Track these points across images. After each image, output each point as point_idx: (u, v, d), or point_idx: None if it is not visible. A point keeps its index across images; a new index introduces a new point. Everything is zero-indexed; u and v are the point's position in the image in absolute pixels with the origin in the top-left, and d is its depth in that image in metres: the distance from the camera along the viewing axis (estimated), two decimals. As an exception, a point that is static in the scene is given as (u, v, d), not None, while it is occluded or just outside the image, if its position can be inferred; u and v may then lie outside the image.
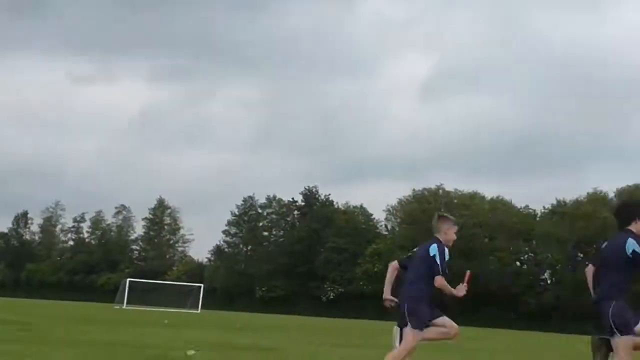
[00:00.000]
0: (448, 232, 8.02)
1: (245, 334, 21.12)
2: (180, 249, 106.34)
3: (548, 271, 74.73)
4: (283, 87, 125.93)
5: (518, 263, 75.98)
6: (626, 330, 6.64)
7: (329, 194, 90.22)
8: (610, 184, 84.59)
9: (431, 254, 7.74)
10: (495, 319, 66.49)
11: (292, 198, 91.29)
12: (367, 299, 78.23)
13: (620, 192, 71.10)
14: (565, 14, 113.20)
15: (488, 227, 75.71)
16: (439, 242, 7.89)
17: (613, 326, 6.69)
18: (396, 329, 7.91)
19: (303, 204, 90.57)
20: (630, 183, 71.91)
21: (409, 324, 7.59)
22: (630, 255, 6.77)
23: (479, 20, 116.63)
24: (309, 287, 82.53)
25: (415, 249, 8.35)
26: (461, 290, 7.75)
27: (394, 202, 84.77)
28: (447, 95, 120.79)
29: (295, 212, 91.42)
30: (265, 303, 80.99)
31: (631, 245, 6.79)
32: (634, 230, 6.99)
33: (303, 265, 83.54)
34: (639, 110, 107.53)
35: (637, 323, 6.71)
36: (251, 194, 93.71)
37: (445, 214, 8.35)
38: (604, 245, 7.24)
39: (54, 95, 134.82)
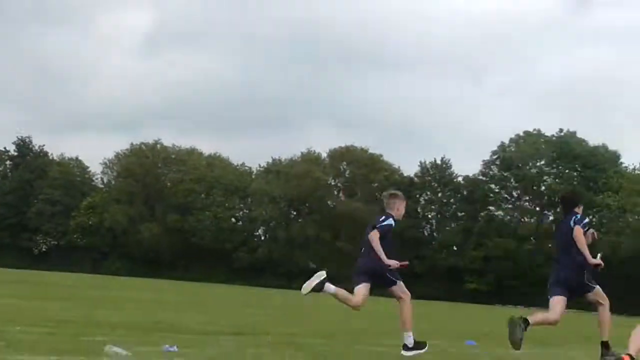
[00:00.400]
0: (400, 209, 8.94)
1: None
2: None
3: (262, 228, 78.47)
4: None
5: (233, 219, 78.88)
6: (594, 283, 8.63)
7: (44, 145, 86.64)
8: (324, 145, 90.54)
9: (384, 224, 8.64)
10: (210, 274, 68.92)
11: (5, 147, 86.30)
12: (81, 251, 77.10)
13: (332, 153, 76.29)
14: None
15: (204, 183, 77.64)
16: (392, 216, 8.82)
17: (589, 284, 8.58)
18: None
19: (16, 154, 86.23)
20: (342, 144, 77.32)
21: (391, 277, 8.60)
22: (572, 225, 8.58)
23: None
24: (20, 239, 79.09)
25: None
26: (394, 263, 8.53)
27: (111, 155, 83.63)
28: (169, 50, 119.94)
29: (8, 162, 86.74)
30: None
31: (574, 219, 8.64)
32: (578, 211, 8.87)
33: (14, 217, 79.80)
34: (352, 74, 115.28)
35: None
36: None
37: (396, 192, 9.20)
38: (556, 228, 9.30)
39: None
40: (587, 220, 8.94)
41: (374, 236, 8.53)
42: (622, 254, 56.93)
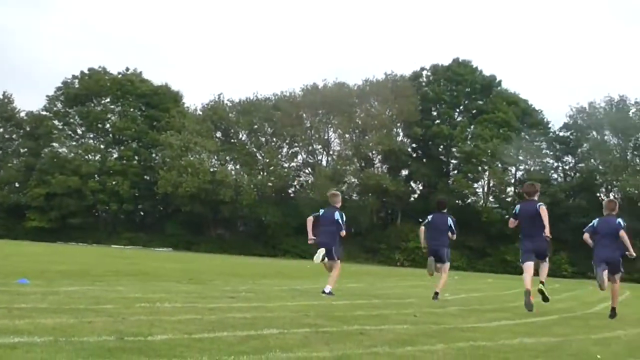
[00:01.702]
0: (339, 202, 13.72)
1: None
2: None
3: None
4: None
5: None
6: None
7: None
8: None
9: (336, 219, 13.25)
10: None
11: None
12: None
13: None
14: None
15: None
16: (339, 209, 13.48)
17: (547, 254, 12.13)
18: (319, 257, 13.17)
19: None
20: None
21: (335, 256, 13.28)
22: (539, 210, 11.67)
23: None
24: None
25: (321, 211, 13.58)
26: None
27: None
28: None
29: None
30: None
31: (539, 205, 11.82)
32: (536, 198, 12.15)
33: None
34: None
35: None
36: None
37: (336, 192, 14.36)
38: (518, 208, 12.21)
39: None
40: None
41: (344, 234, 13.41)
42: (182, 193, 60.44)
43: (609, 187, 60.28)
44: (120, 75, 70.71)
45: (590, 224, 12.37)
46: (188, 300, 9.80)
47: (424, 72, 67.24)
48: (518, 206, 12.47)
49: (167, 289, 11.85)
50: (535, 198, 12.20)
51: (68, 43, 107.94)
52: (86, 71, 70.43)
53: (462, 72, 64.40)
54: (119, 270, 17.15)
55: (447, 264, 14.27)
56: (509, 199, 62.66)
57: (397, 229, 61.27)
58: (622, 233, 11.64)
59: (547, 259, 12.33)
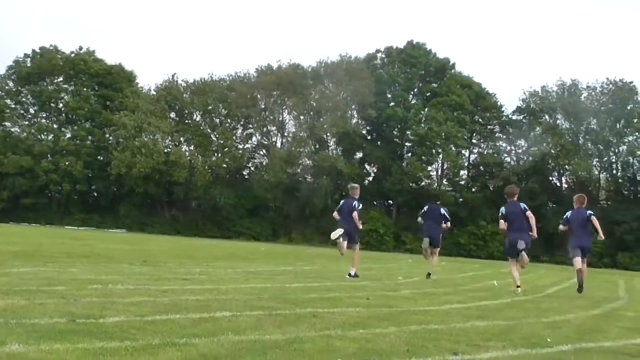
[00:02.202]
0: (358, 194, 15.60)
1: None
2: None
3: None
4: None
5: None
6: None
7: None
8: None
9: (355, 207, 15.17)
10: None
11: None
12: None
13: None
14: None
15: None
16: (357, 199, 15.39)
17: (526, 247, 13.27)
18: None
19: None
20: None
21: (356, 241, 15.30)
22: (524, 209, 13.31)
23: None
24: None
25: (341, 202, 15.84)
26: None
27: None
28: None
29: None
30: None
31: (523, 205, 13.44)
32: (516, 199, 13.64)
33: None
34: None
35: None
36: None
37: (356, 185, 16.12)
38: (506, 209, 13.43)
39: None
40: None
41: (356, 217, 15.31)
42: (136, 174, 59.91)
43: (561, 170, 61.43)
44: (73, 55, 69.37)
45: (565, 216, 14.43)
46: (141, 282, 9.76)
47: (379, 54, 67.40)
48: (504, 209, 13.82)
49: (120, 271, 11.79)
50: (515, 199, 13.86)
51: (19, 22, 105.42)
52: (37, 49, 68.99)
53: (416, 54, 64.71)
54: (71, 252, 16.96)
55: (438, 249, 17.22)
56: (462, 182, 63.42)
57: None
58: (594, 218, 13.96)
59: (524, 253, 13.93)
